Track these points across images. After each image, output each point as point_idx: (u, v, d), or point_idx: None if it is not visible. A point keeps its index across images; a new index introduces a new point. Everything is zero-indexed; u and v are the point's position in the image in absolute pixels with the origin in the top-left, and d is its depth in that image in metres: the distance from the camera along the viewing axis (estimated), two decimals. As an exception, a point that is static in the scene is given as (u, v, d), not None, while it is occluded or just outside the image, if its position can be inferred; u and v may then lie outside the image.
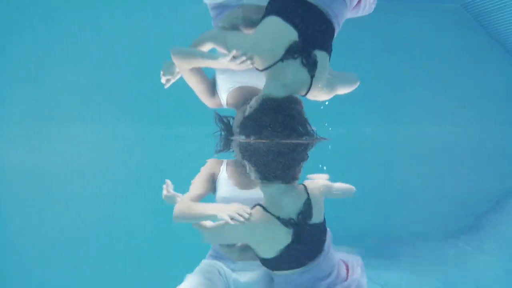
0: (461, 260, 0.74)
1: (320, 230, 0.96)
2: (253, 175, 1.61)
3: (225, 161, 2.17)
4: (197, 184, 1.46)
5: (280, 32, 1.89)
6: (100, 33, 4.07)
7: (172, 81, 2.34)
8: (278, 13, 1.93)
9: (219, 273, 0.83)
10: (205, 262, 0.89)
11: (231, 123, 2.09)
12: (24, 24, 4.00)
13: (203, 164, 1.89)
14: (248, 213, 1.05)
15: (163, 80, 2.33)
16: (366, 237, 0.85)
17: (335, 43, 2.51)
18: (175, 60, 2.12)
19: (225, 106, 2.37)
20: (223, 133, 2.05)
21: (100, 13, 4.07)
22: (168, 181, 1.36)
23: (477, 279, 0.68)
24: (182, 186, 1.28)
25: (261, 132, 1.67)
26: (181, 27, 4.04)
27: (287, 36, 1.88)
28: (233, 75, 2.16)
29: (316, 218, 1.04)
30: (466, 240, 0.82)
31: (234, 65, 2.02)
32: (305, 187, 1.44)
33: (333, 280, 0.71)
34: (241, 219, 1.00)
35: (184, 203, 1.14)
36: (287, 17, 1.90)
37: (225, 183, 1.54)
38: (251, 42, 1.94)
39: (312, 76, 1.85)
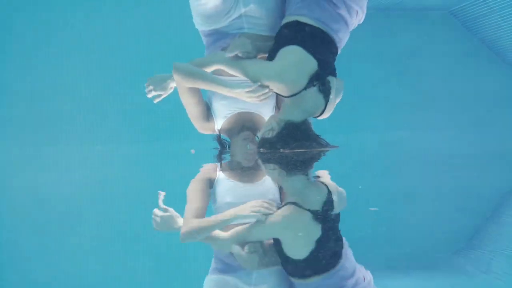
0: (469, 280, 0.73)
1: (338, 221, 0.99)
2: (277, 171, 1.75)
3: (217, 165, 2.21)
4: (196, 196, 1.40)
5: (303, 61, 2.03)
6: (101, 49, 4.06)
7: (163, 96, 2.27)
8: (298, 43, 2.03)
9: None
10: (216, 279, 0.74)
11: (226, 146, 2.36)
12: (20, 40, 3.97)
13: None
14: (272, 204, 1.06)
15: (152, 94, 2.23)
16: (368, 247, 0.84)
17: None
18: (177, 77, 2.05)
19: (216, 132, 2.27)
20: (221, 151, 2.37)
21: (95, 32, 4.05)
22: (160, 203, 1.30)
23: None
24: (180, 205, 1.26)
25: (283, 147, 2.03)
26: (177, 43, 4.04)
27: (310, 65, 2.04)
28: (234, 101, 2.14)
29: (336, 209, 1.09)
30: (474, 260, 0.81)
31: (250, 97, 1.96)
32: (318, 177, 1.56)
33: (358, 279, 0.69)
34: (271, 211, 0.99)
35: (190, 221, 1.06)
36: (308, 47, 2.04)
37: (225, 185, 1.54)
38: (275, 71, 2.03)
39: (327, 101, 2.08)
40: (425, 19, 4.66)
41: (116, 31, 4.11)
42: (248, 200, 1.19)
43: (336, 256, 0.77)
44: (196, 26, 2.26)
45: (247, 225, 0.94)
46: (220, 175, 1.93)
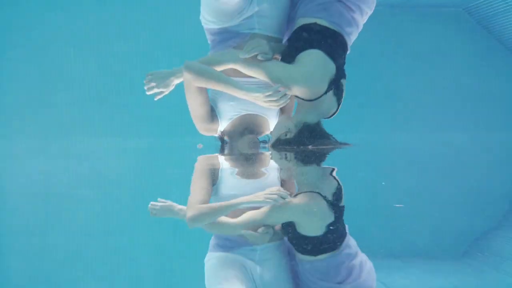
0: (480, 275, 0.70)
1: (344, 209, 1.04)
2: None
3: (219, 155, 2.21)
4: (202, 184, 1.38)
5: (326, 66, 2.06)
6: (105, 43, 4.09)
7: (165, 94, 2.24)
8: (319, 46, 2.04)
9: (246, 269, 0.64)
10: (219, 257, 0.72)
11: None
12: (30, 38, 4.03)
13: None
14: (287, 193, 1.09)
15: (153, 91, 2.19)
16: (372, 247, 0.81)
17: None
18: (189, 75, 2.00)
19: (217, 133, 2.25)
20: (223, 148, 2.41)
21: (105, 23, 4.09)
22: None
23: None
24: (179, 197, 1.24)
25: (299, 146, 2.14)
26: (178, 41, 4.05)
27: (330, 70, 2.07)
28: (242, 102, 2.10)
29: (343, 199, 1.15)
30: (481, 259, 0.77)
31: (269, 101, 1.94)
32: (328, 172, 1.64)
33: (362, 261, 0.69)
34: (285, 200, 1.01)
35: (198, 205, 1.03)
36: (328, 51, 2.05)
37: (230, 178, 1.53)
38: (302, 74, 2.04)
39: (339, 104, 2.18)
40: (438, 16, 4.57)
41: (127, 24, 4.13)
42: (253, 192, 1.19)
43: (342, 236, 0.82)
44: (204, 23, 2.21)
45: (261, 210, 0.94)
46: (224, 164, 1.98)
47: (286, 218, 0.94)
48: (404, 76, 4.59)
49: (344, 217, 0.98)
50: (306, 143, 2.17)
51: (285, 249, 0.74)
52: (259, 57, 2.02)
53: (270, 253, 0.73)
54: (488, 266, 0.75)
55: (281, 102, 2.02)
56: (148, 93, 2.26)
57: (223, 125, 2.23)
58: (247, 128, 2.25)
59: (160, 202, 1.12)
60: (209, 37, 2.28)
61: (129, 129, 4.15)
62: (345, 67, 2.30)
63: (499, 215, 1.12)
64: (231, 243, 0.77)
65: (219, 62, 2.07)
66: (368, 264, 0.69)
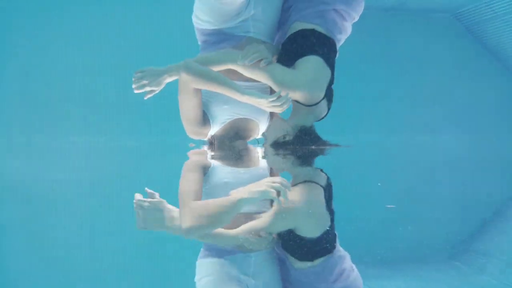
0: (465, 279, 0.72)
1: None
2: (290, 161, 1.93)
3: (206, 150, 2.21)
4: (194, 178, 1.35)
5: (325, 72, 2.11)
6: (98, 40, 4.03)
7: (156, 92, 2.15)
8: (318, 53, 2.08)
9: (241, 283, 0.63)
10: (212, 262, 0.69)
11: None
12: (17, 33, 3.94)
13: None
14: (286, 181, 1.08)
15: (144, 89, 2.06)
16: (361, 250, 0.82)
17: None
18: (188, 76, 1.92)
19: (207, 137, 2.20)
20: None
21: (92, 24, 4.03)
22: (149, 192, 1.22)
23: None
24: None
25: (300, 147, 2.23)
26: (173, 39, 4.02)
27: (328, 76, 2.13)
28: (235, 106, 2.07)
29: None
30: (467, 262, 0.79)
31: (273, 106, 1.94)
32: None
33: (351, 264, 0.70)
34: (287, 187, 1.00)
35: (194, 208, 0.95)
36: (325, 58, 2.10)
37: (222, 168, 1.53)
38: (306, 80, 2.05)
39: (329, 108, 2.23)
40: (428, 21, 4.64)
41: (120, 21, 4.08)
42: (245, 182, 1.19)
43: (335, 237, 0.82)
44: (196, 23, 2.15)
45: (262, 219, 0.90)
46: (214, 161, 1.98)
47: (290, 224, 0.90)
48: (393, 79, 4.65)
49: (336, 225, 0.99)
50: (305, 144, 2.25)
51: (276, 255, 0.74)
52: (262, 64, 2.01)
53: (263, 259, 0.71)
54: (473, 269, 0.76)
55: (285, 106, 2.03)
56: (136, 91, 2.12)
57: (214, 129, 2.19)
58: (237, 132, 2.23)
59: (148, 198, 1.04)
60: (200, 38, 2.22)
61: (119, 127, 4.10)
62: (336, 69, 2.33)
63: (484, 217, 1.14)
64: (223, 251, 0.75)
65: (219, 62, 2.02)
66: (355, 267, 0.71)
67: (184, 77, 1.97)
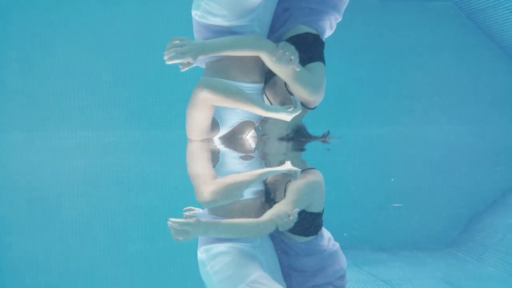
0: (463, 266, 0.72)
1: None
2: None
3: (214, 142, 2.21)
4: (205, 164, 1.39)
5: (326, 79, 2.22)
6: (94, 36, 4.02)
7: (192, 66, 1.97)
8: (322, 59, 2.20)
9: (255, 259, 0.65)
10: (227, 247, 0.68)
11: None
12: (15, 29, 3.93)
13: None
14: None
15: (182, 60, 1.86)
16: (359, 244, 0.82)
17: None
18: (210, 95, 1.85)
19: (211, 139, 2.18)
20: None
21: (93, 18, 4.01)
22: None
23: (481, 281, 0.66)
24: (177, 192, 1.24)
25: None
26: (176, 31, 4.00)
27: None
28: (245, 110, 2.02)
29: None
30: (466, 250, 0.79)
31: (291, 115, 1.99)
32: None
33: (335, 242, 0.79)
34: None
35: (212, 183, 1.00)
36: (324, 63, 2.22)
37: (232, 159, 1.56)
38: (321, 85, 2.15)
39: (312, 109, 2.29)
40: (428, 9, 4.59)
41: (117, 14, 4.06)
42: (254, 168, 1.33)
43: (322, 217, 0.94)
44: (205, 19, 1.96)
45: (286, 200, 1.00)
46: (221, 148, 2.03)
47: (308, 200, 1.05)
48: (393, 69, 4.61)
49: (331, 211, 1.01)
50: (303, 139, 2.36)
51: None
52: (296, 68, 2.02)
53: (266, 240, 0.76)
54: (471, 257, 0.77)
55: (299, 112, 2.09)
56: (174, 61, 1.87)
57: (222, 133, 2.17)
58: (240, 134, 2.27)
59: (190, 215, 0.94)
60: (204, 35, 2.05)
61: (121, 121, 4.11)
62: (337, 60, 2.33)
63: (482, 206, 1.14)
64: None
65: (248, 47, 1.94)
66: (337, 245, 0.80)
67: (206, 95, 1.85)
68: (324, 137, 2.42)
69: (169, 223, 0.85)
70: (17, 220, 1.01)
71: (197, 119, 2.02)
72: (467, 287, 0.64)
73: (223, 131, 2.18)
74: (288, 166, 1.44)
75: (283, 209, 0.92)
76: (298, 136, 2.38)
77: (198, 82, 2.01)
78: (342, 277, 0.69)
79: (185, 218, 0.94)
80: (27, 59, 3.97)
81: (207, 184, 1.06)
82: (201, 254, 0.72)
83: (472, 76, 4.74)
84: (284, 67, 2.01)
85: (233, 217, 0.88)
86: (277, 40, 2.18)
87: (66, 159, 2.24)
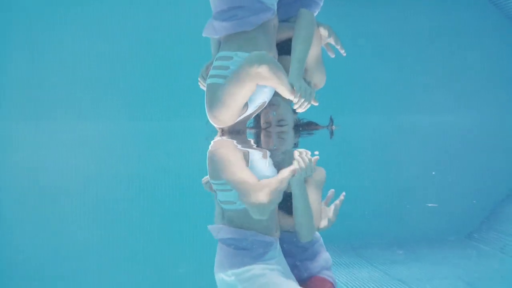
0: (484, 262, 0.69)
1: None
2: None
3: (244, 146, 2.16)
4: (244, 167, 1.37)
5: None
6: (99, 29, 4.03)
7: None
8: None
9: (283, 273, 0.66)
10: (262, 271, 0.68)
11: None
12: (21, 20, 3.97)
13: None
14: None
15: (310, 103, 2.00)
16: (374, 238, 0.80)
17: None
18: (265, 70, 1.79)
19: (225, 125, 2.07)
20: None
21: (97, 10, 4.01)
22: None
23: (503, 280, 0.63)
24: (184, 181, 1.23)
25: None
26: (178, 24, 3.98)
27: None
28: (270, 89, 1.96)
29: None
30: (487, 241, 0.76)
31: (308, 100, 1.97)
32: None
33: None
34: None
35: (262, 186, 1.04)
36: None
37: (263, 165, 1.51)
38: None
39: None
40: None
41: (124, 3, 4.05)
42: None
43: None
44: None
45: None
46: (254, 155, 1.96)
47: None
48: (410, 54, 4.49)
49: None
50: (314, 126, 2.39)
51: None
52: (314, 103, 1.99)
53: (278, 246, 0.77)
54: (494, 248, 0.73)
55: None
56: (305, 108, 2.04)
57: (249, 112, 2.03)
58: (256, 116, 2.23)
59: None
60: (229, 3, 1.98)
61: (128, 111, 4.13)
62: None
63: (503, 196, 1.10)
64: (252, 250, 0.75)
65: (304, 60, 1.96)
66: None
67: (262, 71, 1.76)
68: (329, 126, 2.38)
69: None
70: (21, 212, 1.02)
71: (240, 96, 1.88)
72: (489, 286, 0.61)
73: (249, 110, 2.02)
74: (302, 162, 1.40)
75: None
76: (307, 124, 2.35)
77: (248, 57, 1.86)
78: (331, 267, 0.69)
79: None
80: (35, 49, 4.00)
81: (257, 187, 1.05)
82: (228, 277, 0.71)
83: (491, 58, 4.57)
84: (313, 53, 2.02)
85: (254, 226, 0.86)
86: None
87: (72, 149, 2.26)
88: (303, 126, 2.33)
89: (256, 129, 2.32)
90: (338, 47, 2.09)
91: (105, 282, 0.63)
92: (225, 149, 1.85)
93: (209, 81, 1.97)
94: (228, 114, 1.93)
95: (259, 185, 1.06)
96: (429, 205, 1.00)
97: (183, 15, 4.01)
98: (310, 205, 0.95)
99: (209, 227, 0.85)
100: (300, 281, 0.64)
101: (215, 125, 2.03)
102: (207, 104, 1.95)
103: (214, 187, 1.10)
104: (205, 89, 2.03)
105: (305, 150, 1.72)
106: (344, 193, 1.01)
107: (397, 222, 0.88)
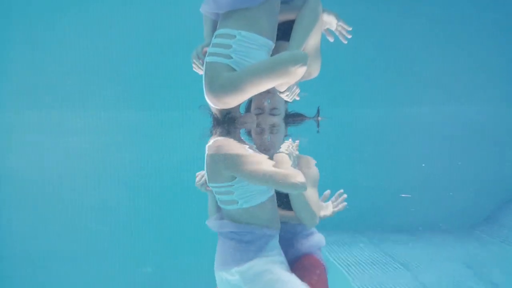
0: (485, 249, 0.70)
1: None
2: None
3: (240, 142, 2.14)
4: (267, 160, 1.44)
5: None
6: (97, 21, 4.00)
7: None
8: None
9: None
10: (264, 264, 0.71)
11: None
12: (21, 13, 3.96)
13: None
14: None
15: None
16: (377, 226, 0.81)
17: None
18: (302, 71, 1.82)
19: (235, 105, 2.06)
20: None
21: (94, 3, 3.98)
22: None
23: (504, 267, 0.63)
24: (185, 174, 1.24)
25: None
26: (179, 17, 3.94)
27: None
28: None
29: None
30: (490, 232, 0.77)
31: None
32: None
33: None
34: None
35: (292, 171, 1.11)
36: None
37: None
38: None
39: None
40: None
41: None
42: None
43: None
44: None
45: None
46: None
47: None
48: (419, 47, 4.42)
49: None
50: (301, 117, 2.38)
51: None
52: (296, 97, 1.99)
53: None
54: (495, 238, 0.74)
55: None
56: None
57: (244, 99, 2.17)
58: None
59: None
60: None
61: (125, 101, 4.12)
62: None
63: (509, 188, 1.09)
64: (256, 245, 0.77)
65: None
66: None
67: (300, 72, 1.76)
68: (316, 117, 2.28)
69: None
70: (35, 198, 1.03)
71: (262, 88, 1.83)
72: (487, 269, 0.62)
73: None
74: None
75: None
76: (295, 115, 2.25)
77: (293, 54, 1.83)
78: (320, 248, 0.71)
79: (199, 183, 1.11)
80: (36, 38, 3.97)
81: (289, 172, 1.11)
82: (232, 276, 0.71)
83: (499, 54, 4.49)
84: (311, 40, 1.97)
85: (257, 221, 0.90)
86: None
87: (75, 138, 2.25)
88: (291, 117, 2.26)
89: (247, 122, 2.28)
90: (345, 32, 2.00)
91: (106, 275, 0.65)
92: (236, 148, 1.80)
93: (209, 59, 1.81)
94: (237, 100, 1.82)
95: (290, 170, 1.12)
96: (403, 195, 0.99)
97: (183, 8, 3.97)
98: (307, 192, 0.99)
99: (209, 223, 0.84)
100: (295, 259, 0.67)
101: (213, 106, 1.89)
102: (208, 84, 1.78)
103: (215, 189, 1.05)
104: (199, 70, 1.95)
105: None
106: (342, 191, 1.00)
107: (402, 211, 0.89)
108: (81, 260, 0.68)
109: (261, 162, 1.20)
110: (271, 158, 1.43)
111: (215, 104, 2.00)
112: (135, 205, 0.99)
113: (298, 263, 0.69)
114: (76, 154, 1.70)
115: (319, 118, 2.24)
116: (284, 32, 1.96)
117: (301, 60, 1.80)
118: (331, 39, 2.17)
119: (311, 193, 1.01)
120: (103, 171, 1.37)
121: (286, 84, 1.84)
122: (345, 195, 0.91)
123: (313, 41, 2.00)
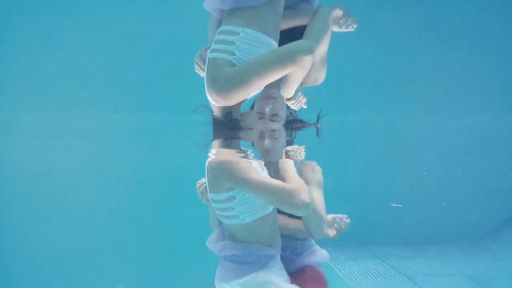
0: (496, 263, 0.68)
1: None
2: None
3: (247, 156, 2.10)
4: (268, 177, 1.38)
5: None
6: (99, 24, 4.05)
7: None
8: None
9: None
10: (264, 276, 0.72)
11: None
12: (25, 14, 4.01)
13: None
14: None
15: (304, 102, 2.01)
16: (382, 237, 0.80)
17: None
18: (310, 61, 1.70)
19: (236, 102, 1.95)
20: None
21: (97, 6, 4.03)
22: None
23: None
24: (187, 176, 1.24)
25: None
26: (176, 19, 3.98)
27: None
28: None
29: None
30: (498, 245, 0.75)
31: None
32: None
33: None
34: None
35: (297, 184, 1.09)
36: None
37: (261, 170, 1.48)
38: None
39: None
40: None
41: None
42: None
43: None
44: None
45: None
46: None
47: None
48: (426, 53, 4.39)
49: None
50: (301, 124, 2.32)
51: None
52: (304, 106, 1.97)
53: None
54: (506, 253, 0.72)
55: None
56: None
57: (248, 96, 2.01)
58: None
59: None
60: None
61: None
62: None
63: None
64: (258, 258, 0.78)
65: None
66: None
67: (308, 61, 1.71)
68: (315, 123, 2.18)
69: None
70: (38, 196, 1.04)
71: (268, 80, 1.75)
72: (496, 285, 0.60)
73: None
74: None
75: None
76: (295, 121, 2.13)
77: (298, 43, 1.73)
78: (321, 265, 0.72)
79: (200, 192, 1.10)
80: (43, 40, 4.04)
81: (297, 189, 1.06)
82: (233, 287, 0.72)
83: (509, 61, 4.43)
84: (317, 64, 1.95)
85: (259, 239, 0.88)
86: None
87: (79, 140, 2.27)
88: (291, 124, 2.18)
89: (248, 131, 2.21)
90: (351, 26, 1.98)
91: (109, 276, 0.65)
92: (239, 163, 1.70)
93: (211, 55, 1.78)
94: (242, 95, 1.76)
95: (296, 186, 1.06)
96: (393, 205, 0.98)
97: (189, 8, 3.99)
98: (313, 199, 0.97)
99: (209, 246, 0.83)
100: (295, 271, 0.67)
101: (215, 104, 1.85)
102: (211, 81, 1.76)
103: (215, 205, 1.01)
104: (201, 72, 1.88)
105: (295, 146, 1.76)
106: (346, 216, 0.93)
107: (409, 223, 0.88)
108: (81, 261, 0.68)
109: (265, 182, 1.16)
110: (274, 163, 1.39)
111: (217, 102, 1.88)
112: (139, 208, 1.00)
113: (299, 276, 0.69)
114: (77, 156, 1.71)
115: (318, 125, 2.19)
116: (290, 39, 1.91)
117: (307, 49, 1.72)
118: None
119: (317, 198, 0.99)
120: (107, 174, 1.37)
121: (293, 89, 1.79)
122: (348, 220, 0.87)
123: (321, 49, 1.98)
